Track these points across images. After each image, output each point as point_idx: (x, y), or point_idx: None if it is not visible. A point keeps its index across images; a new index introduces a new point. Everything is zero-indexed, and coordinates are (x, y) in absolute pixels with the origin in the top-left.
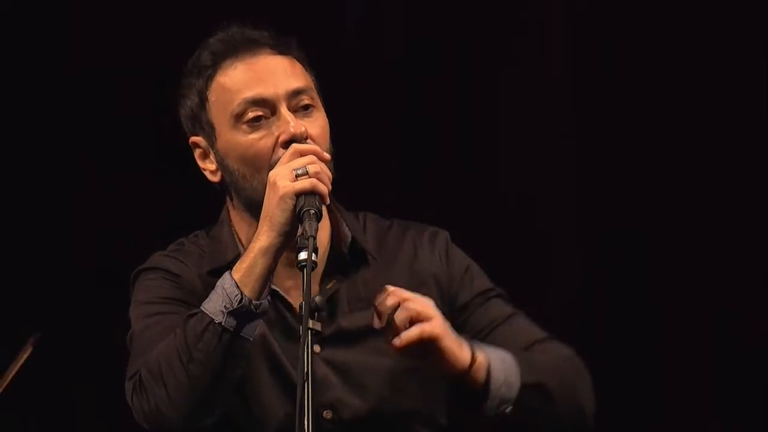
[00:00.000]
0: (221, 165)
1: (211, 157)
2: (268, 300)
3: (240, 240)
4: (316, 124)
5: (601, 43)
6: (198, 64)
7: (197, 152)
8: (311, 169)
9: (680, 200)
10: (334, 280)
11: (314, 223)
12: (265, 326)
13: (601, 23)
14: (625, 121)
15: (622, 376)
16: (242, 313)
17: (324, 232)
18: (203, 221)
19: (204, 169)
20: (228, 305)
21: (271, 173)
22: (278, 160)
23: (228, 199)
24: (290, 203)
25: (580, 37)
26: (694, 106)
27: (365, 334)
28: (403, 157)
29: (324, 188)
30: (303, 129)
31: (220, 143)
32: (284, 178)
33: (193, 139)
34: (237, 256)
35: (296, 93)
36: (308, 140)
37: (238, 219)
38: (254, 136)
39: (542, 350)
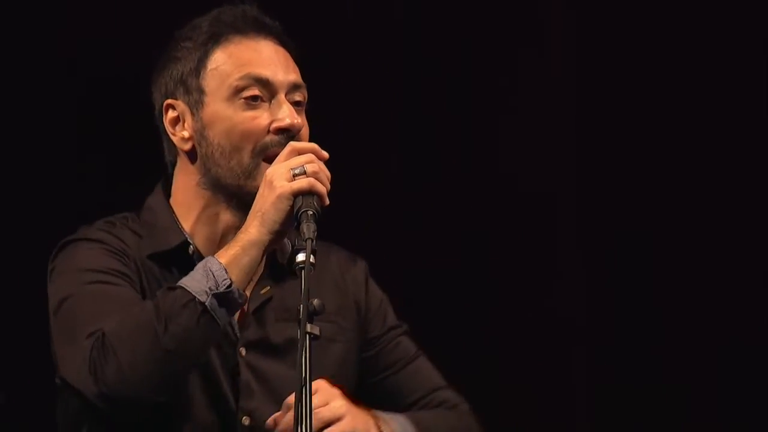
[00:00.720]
0: (199, 134)
1: (188, 124)
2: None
3: (181, 225)
4: (304, 122)
5: (603, 42)
6: (201, 30)
7: (169, 116)
8: (309, 168)
9: (682, 200)
10: (268, 287)
11: (312, 225)
12: None
13: (603, 23)
14: (626, 120)
15: (625, 375)
16: (226, 298)
17: None
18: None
19: (173, 134)
20: (213, 287)
21: (268, 171)
22: (266, 144)
23: (178, 178)
24: (287, 203)
25: (582, 35)
26: (695, 106)
27: (289, 346)
28: (407, 156)
29: (322, 188)
30: (300, 121)
31: (207, 112)
32: (281, 178)
33: (170, 101)
34: (183, 243)
35: (295, 86)
36: (298, 135)
37: (184, 200)
38: (248, 114)
39: (441, 401)
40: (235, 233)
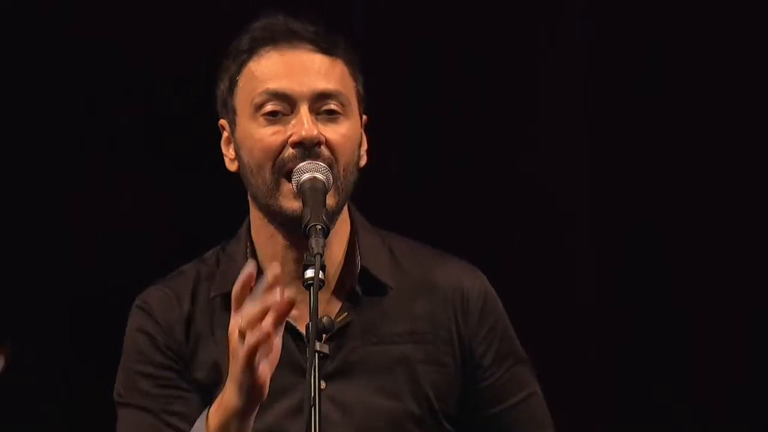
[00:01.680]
0: (237, 154)
1: (232, 144)
2: None
3: (255, 252)
4: (338, 131)
5: (617, 43)
6: (236, 47)
7: (223, 136)
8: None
9: (697, 201)
10: (345, 313)
11: (321, 239)
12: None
13: (619, 26)
14: (639, 117)
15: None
16: None
17: (338, 251)
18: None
19: (225, 155)
20: None
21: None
22: (284, 160)
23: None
24: (249, 372)
25: (598, 38)
26: (711, 107)
27: (375, 372)
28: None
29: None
30: (315, 133)
31: (239, 131)
32: (234, 338)
33: (222, 121)
34: None
35: (323, 95)
36: (322, 146)
37: (254, 223)
38: (267, 130)
39: None
40: (290, 253)
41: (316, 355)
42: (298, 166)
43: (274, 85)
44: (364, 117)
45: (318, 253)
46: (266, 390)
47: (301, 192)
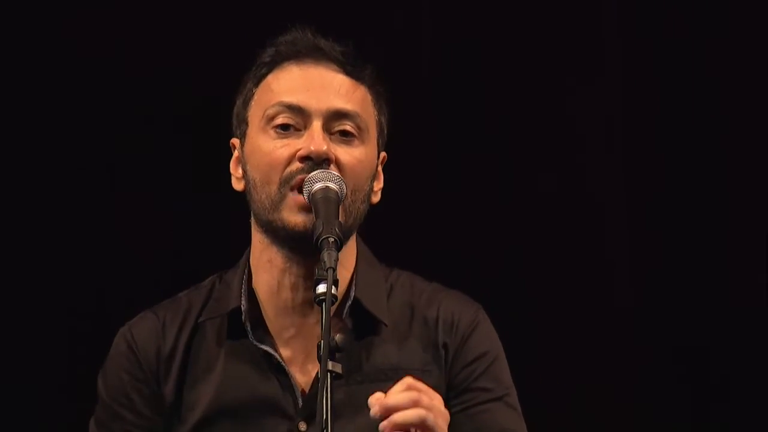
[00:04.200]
0: (244, 170)
1: (241, 163)
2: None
3: (250, 280)
4: (351, 153)
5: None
6: (260, 60)
7: (234, 156)
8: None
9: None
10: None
11: (334, 253)
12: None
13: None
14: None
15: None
16: None
17: (344, 282)
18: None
19: (232, 175)
20: None
21: None
22: (291, 173)
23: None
24: None
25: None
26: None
27: (357, 412)
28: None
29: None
30: (325, 149)
31: (248, 145)
32: None
33: (233, 141)
34: (236, 309)
35: (339, 115)
36: (332, 165)
37: (253, 248)
38: (276, 143)
39: None
40: (287, 279)
41: (328, 374)
42: (310, 176)
43: (289, 97)
44: (383, 154)
45: (330, 267)
46: None
47: (313, 202)
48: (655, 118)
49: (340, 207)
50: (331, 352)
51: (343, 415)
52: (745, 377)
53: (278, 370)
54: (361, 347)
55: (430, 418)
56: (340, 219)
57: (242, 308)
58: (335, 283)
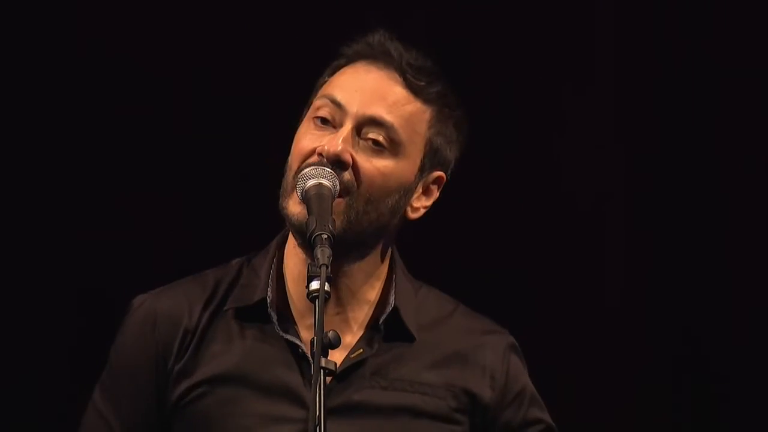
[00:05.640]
0: None
1: None
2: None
3: (280, 264)
4: (374, 164)
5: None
6: (338, 58)
7: None
8: None
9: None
10: (362, 350)
11: (327, 250)
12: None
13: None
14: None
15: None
16: None
17: (373, 291)
18: None
19: None
20: None
21: None
22: (305, 167)
23: None
24: None
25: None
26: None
27: (376, 415)
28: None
29: None
30: (338, 150)
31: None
32: None
33: None
34: (262, 300)
35: (373, 122)
36: (348, 169)
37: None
38: (309, 134)
39: None
40: (304, 269)
41: (321, 371)
42: (303, 172)
43: (337, 93)
44: (437, 173)
45: (324, 264)
46: None
47: (305, 199)
48: (648, 120)
49: (344, 208)
50: (324, 348)
51: (359, 417)
52: (745, 377)
53: (302, 359)
54: (391, 355)
55: None
56: (340, 219)
57: (267, 300)
58: (328, 279)
